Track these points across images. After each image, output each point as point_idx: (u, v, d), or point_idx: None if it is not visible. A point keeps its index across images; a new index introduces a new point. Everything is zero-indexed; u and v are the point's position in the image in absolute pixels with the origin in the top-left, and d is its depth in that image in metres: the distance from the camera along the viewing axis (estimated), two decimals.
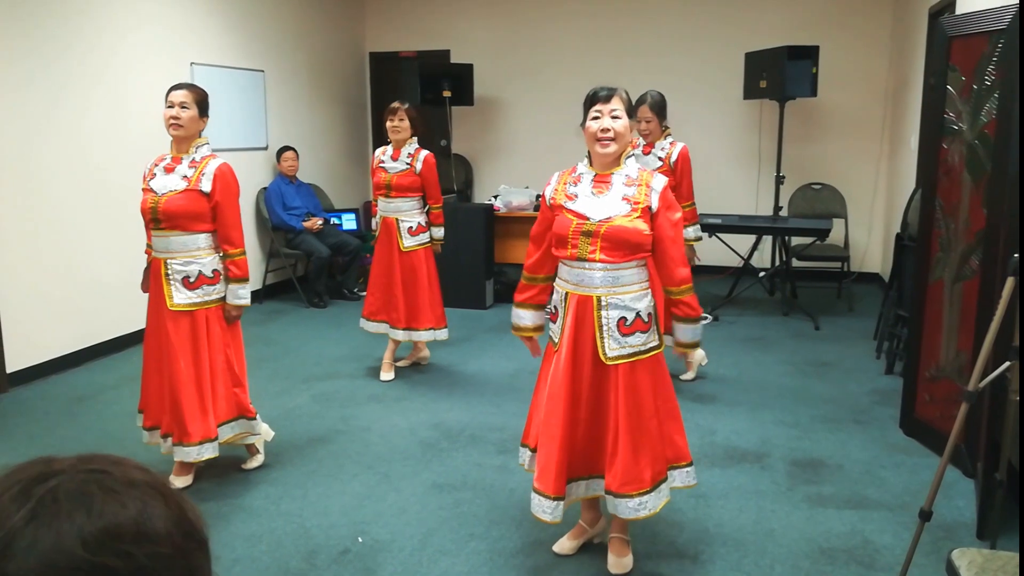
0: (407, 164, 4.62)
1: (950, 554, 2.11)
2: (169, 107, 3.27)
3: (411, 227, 4.65)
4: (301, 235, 6.69)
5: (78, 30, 5.02)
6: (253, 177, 6.85)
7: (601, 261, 2.56)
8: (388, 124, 4.64)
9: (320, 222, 6.78)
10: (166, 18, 5.77)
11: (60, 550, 0.61)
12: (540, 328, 2.91)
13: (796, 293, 6.72)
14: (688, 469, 2.77)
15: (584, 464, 2.71)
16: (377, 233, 4.77)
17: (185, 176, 3.24)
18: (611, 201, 2.58)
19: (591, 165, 2.70)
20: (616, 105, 2.58)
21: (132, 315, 5.32)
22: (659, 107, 4.45)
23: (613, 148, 2.59)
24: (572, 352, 2.62)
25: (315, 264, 6.69)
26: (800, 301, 6.55)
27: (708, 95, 7.71)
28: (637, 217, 2.55)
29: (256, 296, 6.84)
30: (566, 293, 2.66)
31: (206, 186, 3.24)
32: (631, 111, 2.67)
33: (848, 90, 7.34)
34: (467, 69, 7.73)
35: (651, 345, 2.63)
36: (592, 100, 2.63)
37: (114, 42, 5.31)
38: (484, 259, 6.53)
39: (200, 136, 3.33)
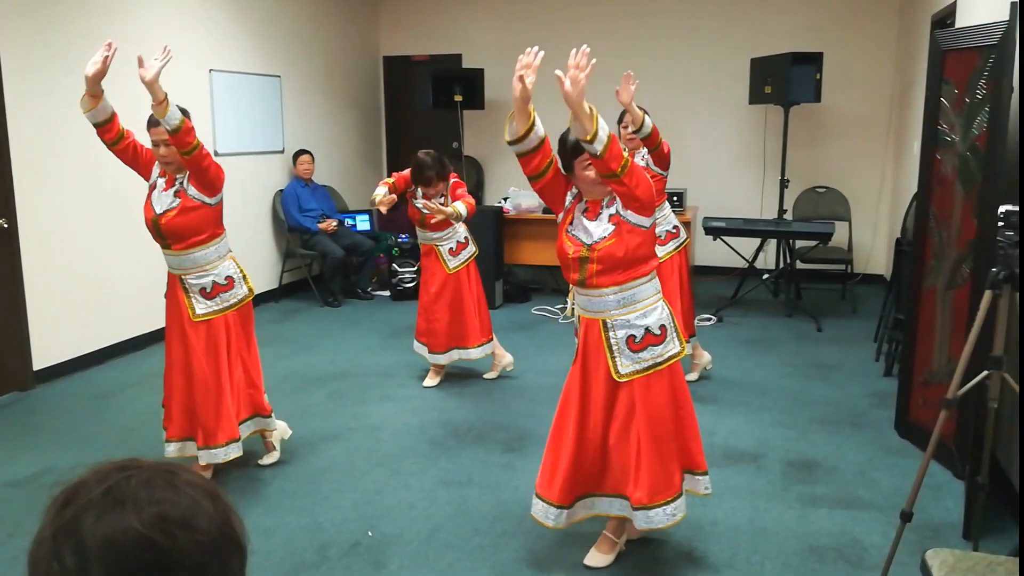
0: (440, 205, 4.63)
1: (924, 554, 2.23)
2: (154, 145, 3.36)
3: (451, 248, 4.71)
4: (316, 236, 6.85)
5: (97, 36, 5.17)
6: (270, 180, 7.03)
7: (601, 285, 2.66)
8: (422, 189, 4.57)
9: (335, 223, 6.94)
10: (185, 25, 5.94)
11: (121, 522, 0.78)
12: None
13: (800, 295, 6.81)
14: (703, 478, 2.85)
15: (589, 483, 2.81)
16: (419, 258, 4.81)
17: (177, 192, 3.35)
18: (599, 224, 2.68)
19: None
20: None
21: (152, 315, 5.50)
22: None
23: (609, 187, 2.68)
24: (583, 372, 2.77)
25: (329, 264, 6.85)
26: (804, 303, 6.64)
27: (714, 100, 7.82)
28: (619, 230, 2.62)
29: (272, 295, 7.04)
30: (579, 315, 2.81)
31: (191, 189, 3.33)
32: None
33: (852, 95, 7.42)
34: (478, 73, 7.86)
35: (669, 355, 2.71)
36: (575, 151, 2.64)
37: (133, 48, 5.45)
38: (494, 260, 6.67)
39: None
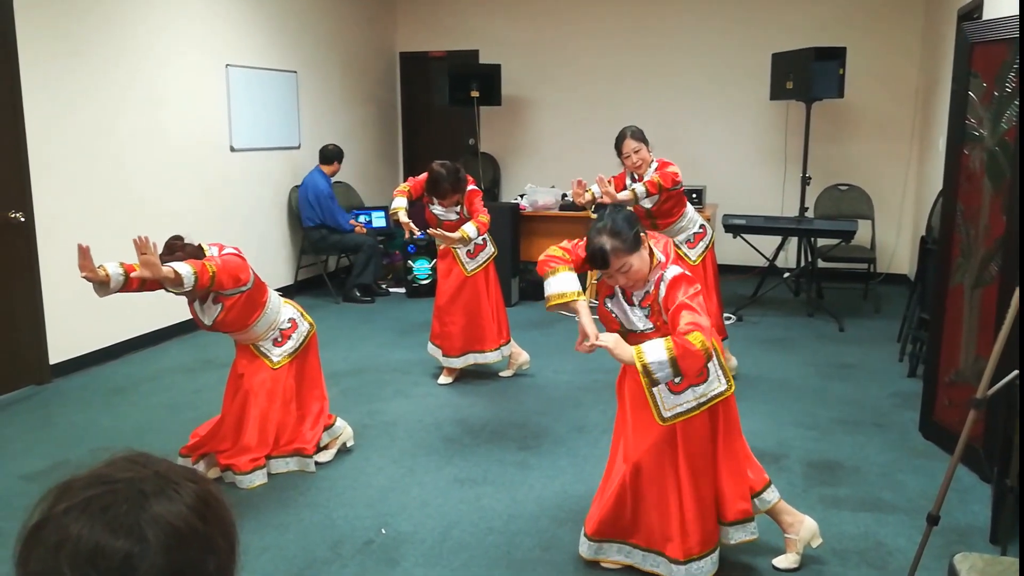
0: (457, 214, 4.63)
1: (952, 558, 2.16)
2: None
3: (469, 250, 4.68)
4: (348, 234, 6.86)
5: (113, 30, 5.19)
6: (285, 176, 7.01)
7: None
8: (439, 201, 4.57)
9: (363, 225, 7.05)
10: (202, 20, 5.93)
11: (59, 546, 0.72)
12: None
13: (822, 294, 6.72)
14: (749, 524, 2.76)
15: (619, 527, 2.77)
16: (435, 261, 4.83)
17: (216, 299, 3.36)
18: (636, 312, 2.63)
19: None
20: (624, 259, 2.55)
21: (168, 310, 5.51)
22: (641, 135, 4.46)
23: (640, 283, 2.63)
24: (622, 414, 2.78)
25: (366, 253, 6.81)
26: (826, 302, 6.55)
27: (734, 96, 7.72)
28: (658, 329, 2.58)
29: (287, 292, 7.00)
30: None
31: (224, 289, 3.33)
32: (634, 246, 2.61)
33: (876, 91, 7.31)
34: (495, 69, 7.82)
35: (713, 393, 2.63)
36: (601, 263, 2.56)
37: (149, 43, 5.46)
38: (510, 257, 6.62)
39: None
